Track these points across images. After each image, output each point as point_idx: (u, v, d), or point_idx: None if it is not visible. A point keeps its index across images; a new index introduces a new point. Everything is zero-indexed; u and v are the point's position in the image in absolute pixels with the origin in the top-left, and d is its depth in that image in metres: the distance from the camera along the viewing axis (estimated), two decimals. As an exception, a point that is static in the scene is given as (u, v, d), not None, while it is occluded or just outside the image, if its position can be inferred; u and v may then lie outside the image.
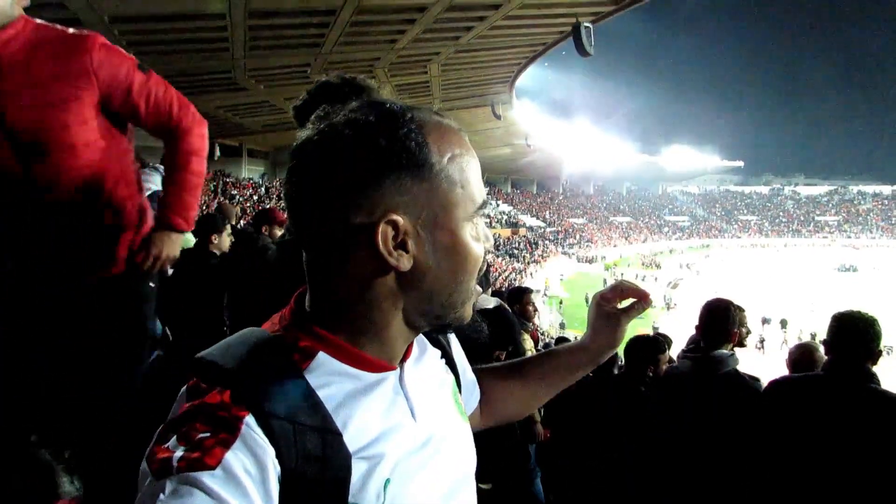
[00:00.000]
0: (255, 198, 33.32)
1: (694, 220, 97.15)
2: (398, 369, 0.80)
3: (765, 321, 34.52)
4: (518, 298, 5.22)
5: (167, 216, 2.08)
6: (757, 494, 2.65)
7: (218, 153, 34.63)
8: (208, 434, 0.61)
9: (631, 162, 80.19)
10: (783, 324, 35.47)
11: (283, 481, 0.63)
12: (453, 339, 1.04)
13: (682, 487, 2.96)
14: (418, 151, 0.71)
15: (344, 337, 0.75)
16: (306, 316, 0.77)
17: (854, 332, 2.46)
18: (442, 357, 0.95)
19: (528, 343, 4.58)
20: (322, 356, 0.73)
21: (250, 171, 39.19)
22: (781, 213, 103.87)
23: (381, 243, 0.69)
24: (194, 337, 4.02)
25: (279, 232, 4.95)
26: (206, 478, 0.57)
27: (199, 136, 2.10)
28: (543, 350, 1.21)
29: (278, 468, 0.63)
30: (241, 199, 30.82)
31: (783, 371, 3.62)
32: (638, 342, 3.90)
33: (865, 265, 62.50)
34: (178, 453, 0.59)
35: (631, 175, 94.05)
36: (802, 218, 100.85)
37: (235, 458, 0.60)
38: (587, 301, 33.28)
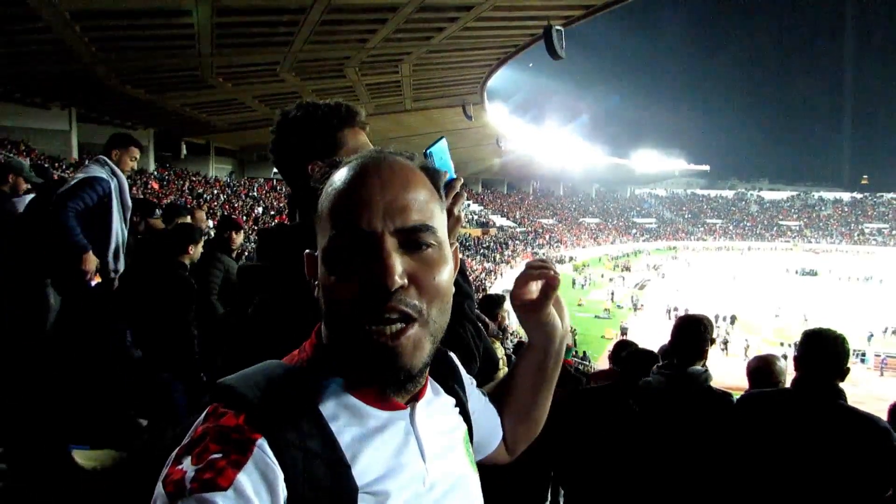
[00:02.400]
0: (223, 197, 32.84)
1: (661, 222, 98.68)
2: (408, 409, 0.79)
3: (717, 318, 35.45)
4: (492, 308, 5.10)
5: None
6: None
7: (184, 151, 34.15)
8: (221, 455, 0.62)
9: (600, 164, 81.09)
10: (732, 320, 36.72)
11: None
12: (471, 389, 1.02)
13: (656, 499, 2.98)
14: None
15: (355, 371, 0.75)
16: (324, 349, 0.78)
17: (823, 350, 2.49)
18: (456, 406, 0.93)
19: (500, 351, 4.55)
20: (335, 389, 0.74)
21: (218, 169, 38.70)
22: (745, 217, 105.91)
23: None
24: (157, 346, 3.95)
25: (239, 239, 4.89)
26: (219, 498, 0.58)
27: None
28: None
29: (286, 493, 0.63)
30: (208, 199, 30.35)
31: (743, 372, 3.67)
32: (634, 355, 3.84)
33: (825, 269, 64.19)
34: (191, 473, 0.60)
35: (600, 177, 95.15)
36: (766, 222, 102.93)
37: (247, 479, 0.61)
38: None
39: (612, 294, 44.17)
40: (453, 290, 0.77)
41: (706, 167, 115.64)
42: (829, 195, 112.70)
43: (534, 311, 1.01)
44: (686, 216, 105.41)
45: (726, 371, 17.10)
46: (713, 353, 3.30)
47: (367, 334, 0.69)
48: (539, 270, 0.98)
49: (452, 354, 1.02)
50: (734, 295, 45.16)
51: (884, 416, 2.43)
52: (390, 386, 0.75)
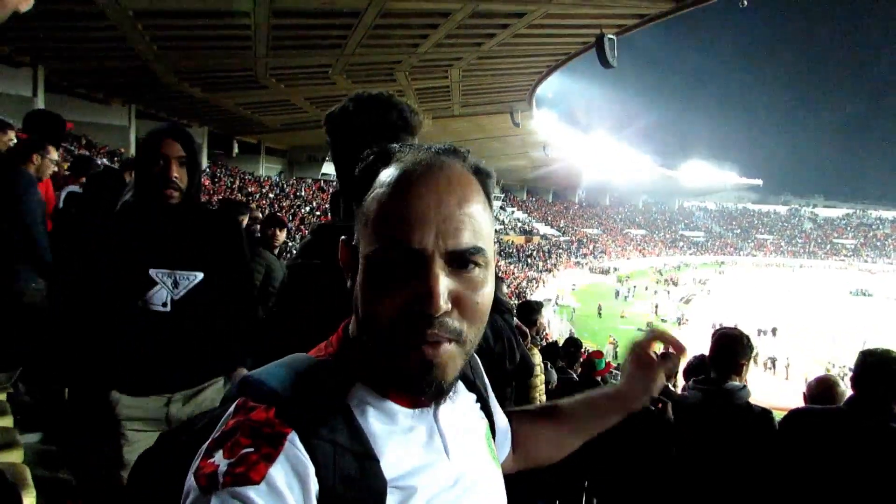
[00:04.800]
0: (272, 195, 33.49)
1: (709, 236, 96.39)
2: (432, 406, 0.79)
3: (760, 332, 34.96)
4: (529, 314, 5.14)
5: None
6: None
7: (236, 150, 34.95)
8: (252, 449, 0.62)
9: (648, 175, 79.80)
10: (773, 332, 35.99)
11: (321, 500, 0.64)
12: (490, 389, 1.03)
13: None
14: (366, 185, 0.74)
15: (384, 374, 0.74)
16: (350, 343, 0.78)
17: (880, 371, 2.42)
18: (477, 402, 0.94)
19: (538, 357, 4.52)
20: (362, 385, 0.75)
21: (268, 168, 39.48)
22: (798, 234, 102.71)
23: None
24: None
25: (282, 236, 4.97)
26: (251, 492, 0.59)
27: None
28: (578, 395, 1.16)
29: (317, 486, 0.64)
30: (258, 197, 31.00)
31: (794, 392, 3.57)
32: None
33: (880, 291, 61.63)
34: (223, 468, 0.61)
35: (648, 188, 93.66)
36: (819, 240, 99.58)
37: (278, 472, 0.61)
38: (599, 313, 32.64)
39: (657, 307, 43.37)
40: (490, 307, 0.75)
41: (759, 181, 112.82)
42: (888, 214, 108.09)
43: (648, 368, 1.05)
44: (736, 231, 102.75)
45: (767, 390, 16.56)
46: (756, 371, 3.21)
47: (406, 353, 0.68)
48: (673, 340, 1.03)
49: (474, 355, 1.00)
50: (783, 312, 43.85)
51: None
52: (422, 395, 0.73)
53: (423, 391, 0.70)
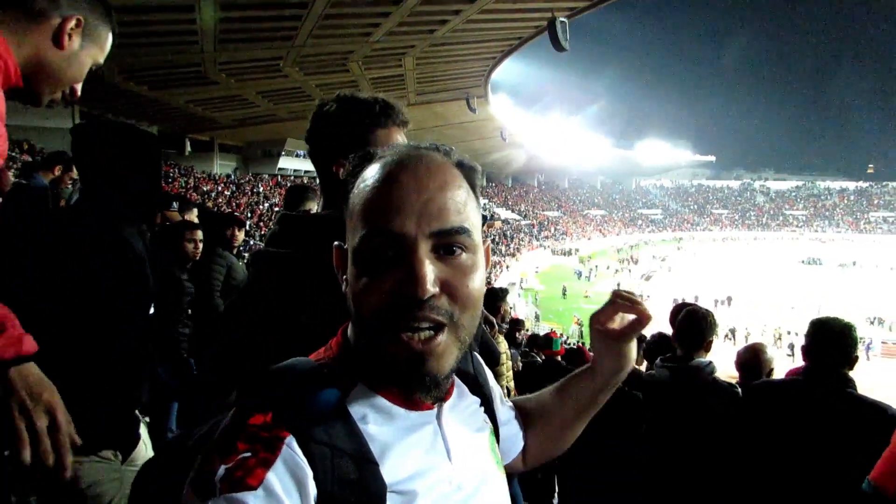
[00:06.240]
0: (228, 193, 32.87)
1: (667, 213, 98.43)
2: (436, 409, 0.79)
3: (717, 302, 36.61)
4: (494, 301, 5.20)
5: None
6: (739, 495, 2.67)
7: (189, 148, 34.16)
8: (250, 454, 0.62)
9: (605, 156, 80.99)
10: (728, 301, 37.75)
11: None
12: (496, 390, 1.01)
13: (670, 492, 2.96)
14: (352, 186, 0.75)
15: (382, 373, 0.74)
16: (349, 346, 0.78)
17: (831, 339, 2.50)
18: (482, 405, 0.92)
19: (503, 346, 4.55)
20: (363, 388, 0.74)
21: (222, 166, 38.68)
22: (751, 208, 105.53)
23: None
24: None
25: (241, 235, 4.88)
26: (249, 498, 0.59)
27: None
28: (561, 380, 1.12)
29: (315, 490, 0.63)
30: (214, 195, 30.38)
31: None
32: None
33: (830, 259, 64.03)
34: (221, 473, 0.61)
35: (605, 169, 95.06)
36: (772, 212, 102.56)
37: (276, 477, 0.61)
38: (564, 294, 33.04)
39: (619, 286, 44.00)
40: (483, 295, 0.74)
41: (712, 157, 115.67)
42: (835, 184, 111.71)
43: (614, 340, 0.98)
44: (692, 207, 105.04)
45: (729, 360, 17.10)
46: (717, 342, 3.30)
47: (397, 339, 0.68)
48: (630, 304, 0.95)
49: (478, 356, 1.02)
50: (740, 284, 45.27)
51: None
52: (417, 390, 0.73)
53: (417, 385, 0.71)
